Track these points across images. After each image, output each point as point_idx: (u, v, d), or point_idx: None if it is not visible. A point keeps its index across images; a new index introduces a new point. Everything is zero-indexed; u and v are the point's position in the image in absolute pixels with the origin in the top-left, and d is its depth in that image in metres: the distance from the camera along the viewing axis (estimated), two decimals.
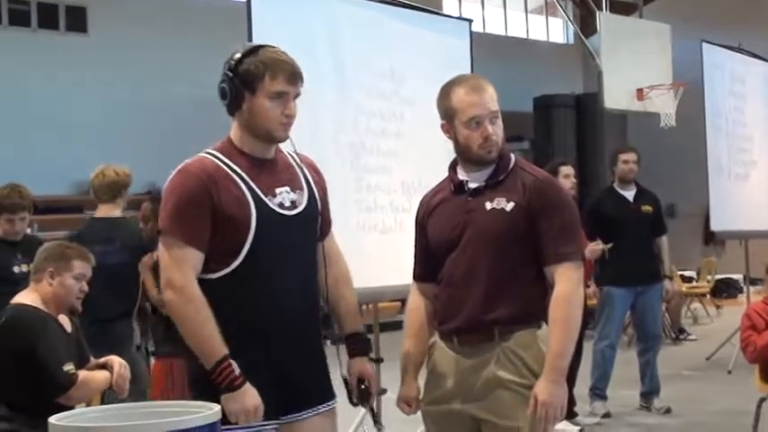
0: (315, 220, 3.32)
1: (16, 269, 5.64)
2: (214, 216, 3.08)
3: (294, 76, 3.17)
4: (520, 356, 3.29)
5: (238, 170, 3.15)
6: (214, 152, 3.20)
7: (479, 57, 7.48)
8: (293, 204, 3.22)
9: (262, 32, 5.66)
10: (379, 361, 3.51)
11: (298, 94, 3.21)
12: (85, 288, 4.36)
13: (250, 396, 3.02)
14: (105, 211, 6.34)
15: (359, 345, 3.43)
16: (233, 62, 3.16)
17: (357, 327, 3.46)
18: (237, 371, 3.02)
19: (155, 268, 5.37)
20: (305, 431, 3.24)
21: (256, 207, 3.12)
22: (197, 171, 3.11)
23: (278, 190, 3.20)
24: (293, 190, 3.25)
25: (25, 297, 4.30)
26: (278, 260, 3.16)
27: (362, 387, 3.38)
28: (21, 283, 4.87)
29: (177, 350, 5.22)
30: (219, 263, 3.11)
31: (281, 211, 3.18)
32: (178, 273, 3.05)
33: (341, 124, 6.26)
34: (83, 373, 4.15)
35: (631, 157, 7.86)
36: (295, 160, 3.35)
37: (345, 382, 3.39)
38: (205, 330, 3.03)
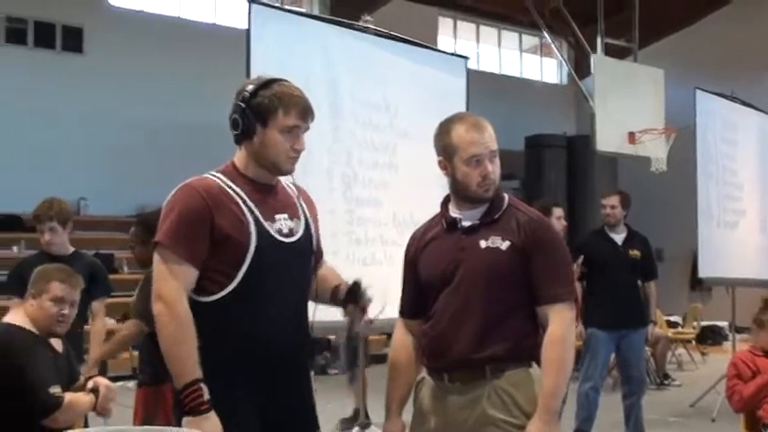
0: (310, 250, 3.33)
1: None
2: (213, 235, 3.08)
3: (306, 112, 3.21)
4: (511, 395, 3.27)
5: (241, 193, 3.17)
6: (218, 174, 3.22)
7: (473, 93, 7.50)
8: (291, 232, 3.23)
9: (259, 60, 5.68)
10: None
11: (307, 129, 3.24)
12: (66, 311, 4.26)
13: (212, 423, 2.98)
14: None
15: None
16: (246, 94, 3.17)
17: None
18: (206, 397, 2.99)
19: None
20: None
21: (256, 230, 3.13)
22: (199, 189, 3.12)
23: (277, 216, 3.21)
24: (291, 218, 3.26)
25: (14, 316, 4.26)
26: (273, 286, 3.15)
27: (353, 284, 3.31)
28: None
29: (153, 379, 5.18)
30: (215, 283, 3.10)
31: (279, 238, 3.18)
32: (170, 287, 3.04)
33: (335, 155, 6.25)
34: (68, 396, 4.10)
35: (609, 201, 7.77)
36: (292, 190, 3.36)
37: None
38: (184, 349, 3.01)
